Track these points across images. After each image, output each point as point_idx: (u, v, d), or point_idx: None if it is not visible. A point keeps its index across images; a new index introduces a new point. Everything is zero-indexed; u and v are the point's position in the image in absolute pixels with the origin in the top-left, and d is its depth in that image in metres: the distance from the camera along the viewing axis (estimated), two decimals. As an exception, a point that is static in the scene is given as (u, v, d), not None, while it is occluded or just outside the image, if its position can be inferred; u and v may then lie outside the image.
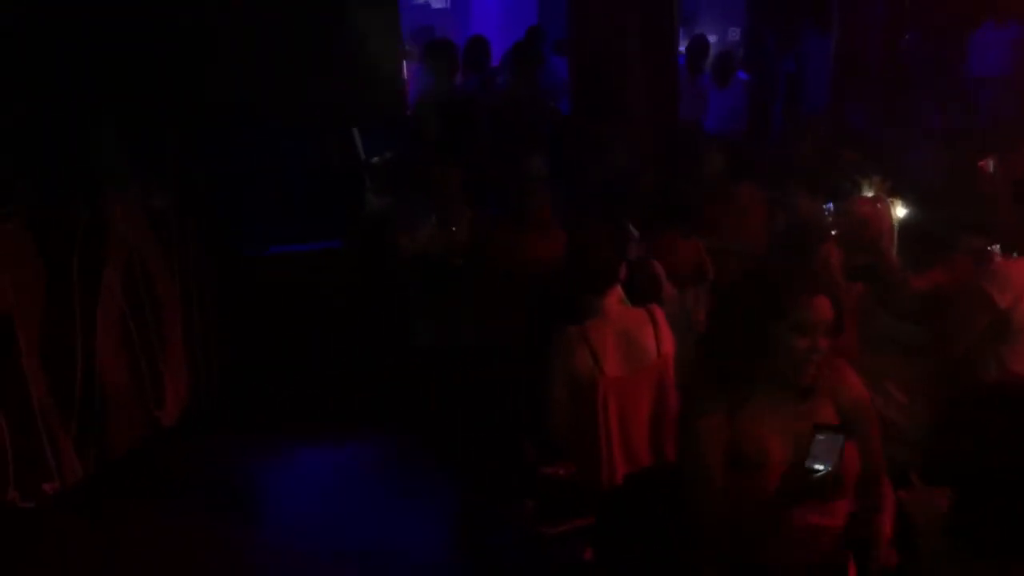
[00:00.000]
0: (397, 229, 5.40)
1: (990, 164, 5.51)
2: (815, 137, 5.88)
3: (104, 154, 4.77)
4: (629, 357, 3.23)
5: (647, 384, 3.25)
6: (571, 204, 5.34)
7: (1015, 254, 3.74)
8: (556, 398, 3.25)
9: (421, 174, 5.48)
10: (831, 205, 4.52)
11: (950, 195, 4.29)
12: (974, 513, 1.87)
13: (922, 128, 8.73)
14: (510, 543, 3.91)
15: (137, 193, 5.12)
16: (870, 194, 4.45)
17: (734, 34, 11.30)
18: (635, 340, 3.26)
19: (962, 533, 1.87)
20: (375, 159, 6.35)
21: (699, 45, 9.18)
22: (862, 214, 4.09)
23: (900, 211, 4.13)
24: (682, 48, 8.88)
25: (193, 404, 5.57)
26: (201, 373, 5.72)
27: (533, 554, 3.62)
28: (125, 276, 5.01)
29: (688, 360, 3.42)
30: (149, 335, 5.15)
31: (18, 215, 4.35)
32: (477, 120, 6.95)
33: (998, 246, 3.69)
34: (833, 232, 4.38)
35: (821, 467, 2.22)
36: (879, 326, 3.61)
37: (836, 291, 2.40)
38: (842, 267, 3.93)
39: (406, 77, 6.63)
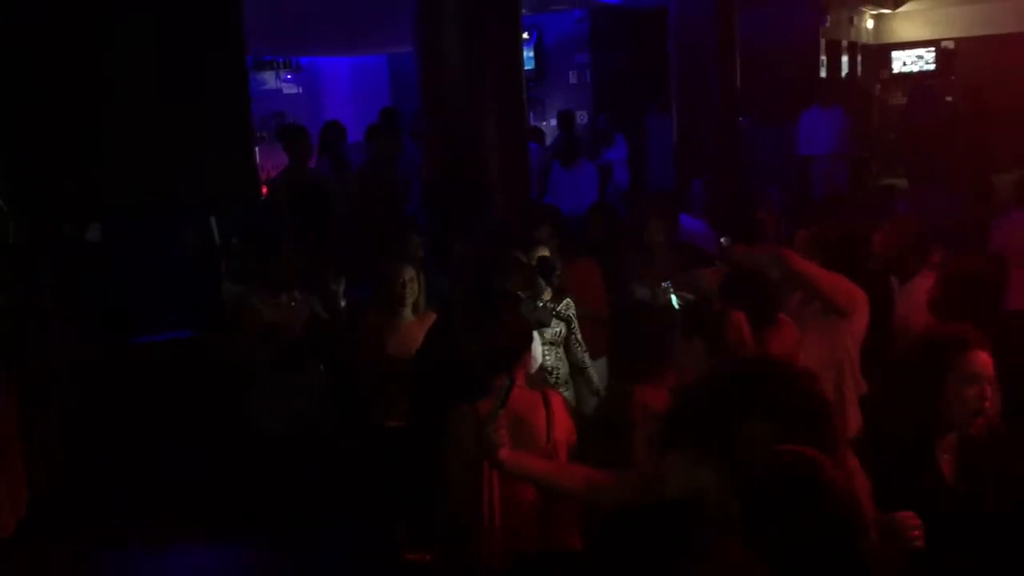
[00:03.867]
0: (245, 309, 5.27)
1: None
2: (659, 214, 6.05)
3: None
4: (517, 440, 3.18)
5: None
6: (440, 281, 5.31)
7: None
8: (452, 477, 3.16)
9: (275, 257, 5.40)
10: (668, 283, 4.62)
11: None
12: None
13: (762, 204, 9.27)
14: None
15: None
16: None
17: (582, 118, 11.71)
18: (526, 423, 3.21)
19: None
20: (233, 242, 6.20)
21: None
22: (710, 285, 4.24)
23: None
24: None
25: (32, 510, 5.14)
26: (41, 477, 5.31)
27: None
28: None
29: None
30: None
31: None
32: (330, 202, 6.91)
33: None
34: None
35: None
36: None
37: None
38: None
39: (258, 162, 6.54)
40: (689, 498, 2.29)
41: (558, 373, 4.66)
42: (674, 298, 4.14)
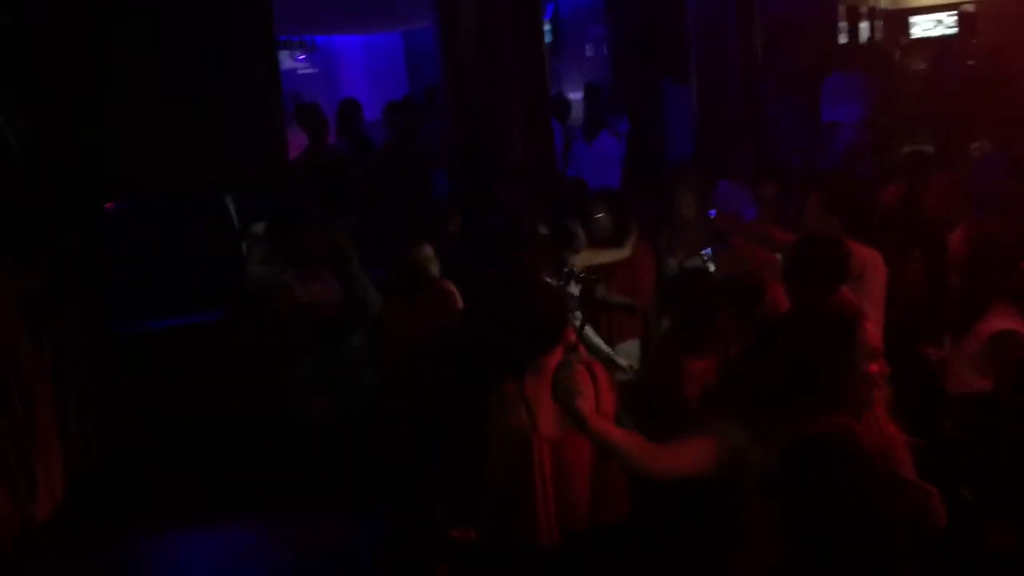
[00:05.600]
0: (278, 289, 5.24)
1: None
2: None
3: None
4: (566, 416, 3.13)
5: (585, 444, 3.15)
6: (466, 260, 5.27)
7: None
8: (493, 458, 3.11)
9: (304, 237, 5.37)
10: (708, 250, 4.56)
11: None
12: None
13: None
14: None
15: (2, 272, 4.76)
16: None
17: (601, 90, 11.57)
18: None
19: None
20: (254, 227, 6.16)
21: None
22: (746, 255, 4.18)
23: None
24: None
25: (69, 495, 5.15)
26: (76, 462, 5.31)
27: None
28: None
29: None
30: (18, 427, 4.75)
31: None
32: (353, 181, 6.85)
33: None
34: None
35: None
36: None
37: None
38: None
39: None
40: (732, 465, 2.28)
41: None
42: (712, 267, 4.09)
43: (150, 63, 3.46)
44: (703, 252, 4.22)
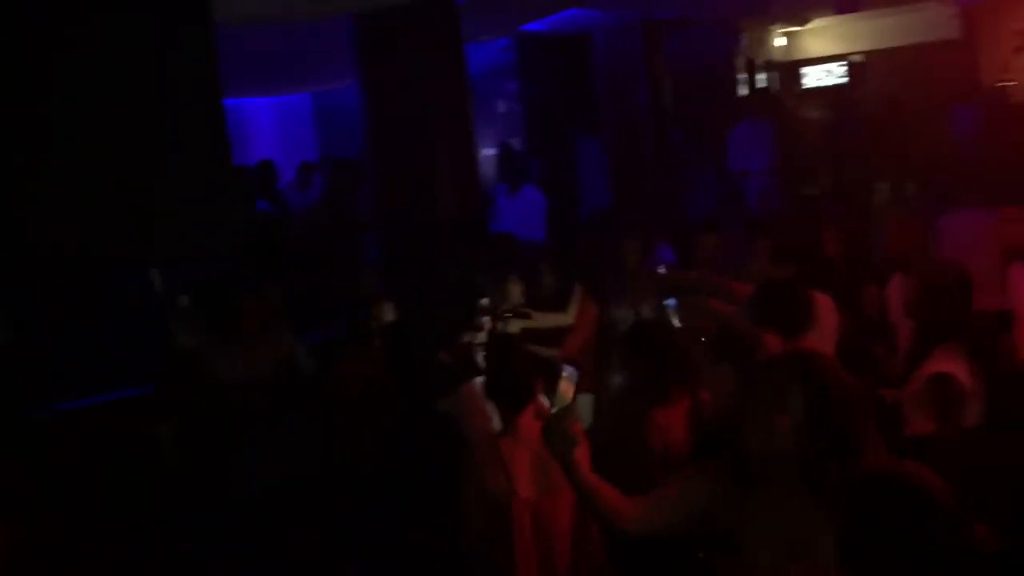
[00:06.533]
0: (210, 362, 5.02)
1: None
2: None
3: None
4: (544, 476, 3.05)
5: (564, 502, 3.07)
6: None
7: None
8: (472, 524, 3.00)
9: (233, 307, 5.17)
10: (672, 302, 4.55)
11: None
12: None
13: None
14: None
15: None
16: None
17: (515, 145, 11.67)
18: (549, 459, 3.08)
19: None
20: (180, 299, 5.92)
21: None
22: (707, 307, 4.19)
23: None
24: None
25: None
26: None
27: None
28: None
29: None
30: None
31: None
32: (281, 243, 6.70)
33: None
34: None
35: None
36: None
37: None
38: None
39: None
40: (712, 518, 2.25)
41: None
42: (675, 319, 4.07)
43: (91, 129, 3.28)
44: (666, 304, 4.21)
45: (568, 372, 2.36)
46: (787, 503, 2.12)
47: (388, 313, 4.69)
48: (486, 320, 4.50)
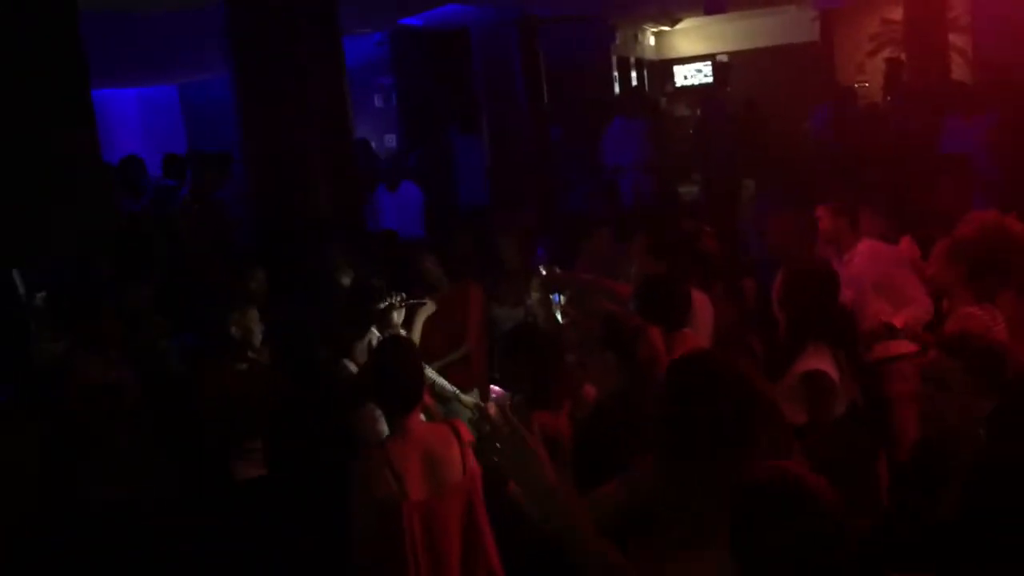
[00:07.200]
0: (73, 366, 4.76)
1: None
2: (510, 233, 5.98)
3: None
4: (434, 475, 3.01)
5: (455, 504, 3.04)
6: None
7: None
8: (361, 531, 2.94)
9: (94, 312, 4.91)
10: (556, 297, 4.58)
11: None
12: None
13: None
14: None
15: None
16: None
17: (390, 141, 11.58)
18: (440, 459, 3.04)
19: None
20: (38, 297, 5.59)
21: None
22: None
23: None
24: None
25: None
26: None
27: None
28: None
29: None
30: None
31: None
32: (151, 243, 6.42)
33: None
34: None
35: None
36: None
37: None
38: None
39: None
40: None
41: None
42: (559, 314, 4.09)
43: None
44: (552, 298, 4.22)
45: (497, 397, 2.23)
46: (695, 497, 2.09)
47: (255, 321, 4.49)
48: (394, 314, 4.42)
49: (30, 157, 3.10)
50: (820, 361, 3.72)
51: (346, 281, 5.37)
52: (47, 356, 5.45)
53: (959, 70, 11.66)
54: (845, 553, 1.78)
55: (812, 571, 1.74)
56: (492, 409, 2.28)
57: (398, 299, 4.49)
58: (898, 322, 4.49)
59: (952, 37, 11.48)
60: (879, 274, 4.66)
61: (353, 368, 4.30)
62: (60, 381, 4.91)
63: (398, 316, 4.52)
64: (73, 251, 3.97)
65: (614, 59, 13.69)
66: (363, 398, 3.93)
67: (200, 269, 6.01)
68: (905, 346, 4.53)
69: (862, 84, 13.58)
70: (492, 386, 4.62)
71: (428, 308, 4.62)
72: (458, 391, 4.65)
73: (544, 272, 4.46)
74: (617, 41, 13.67)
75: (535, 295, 4.55)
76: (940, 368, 2.87)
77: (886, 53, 12.74)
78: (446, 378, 4.80)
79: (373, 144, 10.63)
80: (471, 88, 11.12)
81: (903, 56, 11.72)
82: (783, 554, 1.73)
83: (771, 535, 1.77)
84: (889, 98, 11.17)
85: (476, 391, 4.81)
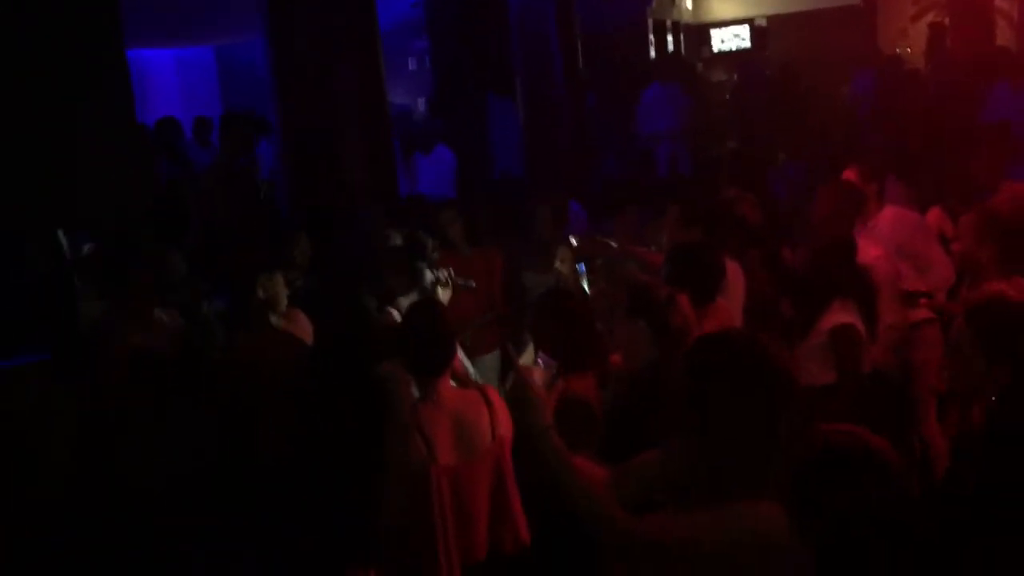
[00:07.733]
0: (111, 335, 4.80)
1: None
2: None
3: None
4: (463, 441, 3.05)
5: (485, 470, 3.08)
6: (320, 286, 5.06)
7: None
8: (390, 494, 2.99)
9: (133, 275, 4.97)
10: (581, 266, 4.59)
11: None
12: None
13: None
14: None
15: None
16: None
17: (423, 104, 11.54)
18: (469, 424, 3.08)
19: None
20: (86, 248, 5.66)
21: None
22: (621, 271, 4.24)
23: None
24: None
25: None
26: None
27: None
28: None
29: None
30: None
31: None
32: (187, 203, 6.50)
33: None
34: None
35: None
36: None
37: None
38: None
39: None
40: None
41: None
42: (586, 283, 4.10)
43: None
44: (577, 268, 4.23)
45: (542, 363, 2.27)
46: None
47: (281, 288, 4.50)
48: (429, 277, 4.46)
49: (64, 119, 3.13)
50: (847, 315, 3.73)
51: (397, 240, 5.40)
52: (90, 316, 5.55)
53: (1003, 35, 11.41)
54: (908, 512, 1.82)
55: (879, 527, 1.79)
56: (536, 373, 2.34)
57: (444, 275, 4.53)
58: (923, 287, 4.49)
59: (998, 1, 11.22)
60: (903, 238, 4.66)
61: (397, 317, 4.32)
62: (99, 345, 4.99)
63: (444, 294, 4.54)
64: (110, 214, 4.01)
65: (650, 22, 13.52)
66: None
67: (229, 232, 6.07)
68: (924, 313, 4.53)
69: (904, 49, 13.33)
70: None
71: (470, 286, 4.64)
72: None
73: (575, 243, 4.46)
74: (653, 4, 13.48)
75: (561, 264, 4.55)
76: (963, 336, 2.87)
77: (930, 17, 12.48)
78: (471, 340, 4.82)
79: (408, 107, 10.62)
80: (506, 52, 11.03)
81: (947, 21, 11.48)
82: (853, 511, 1.78)
83: (843, 496, 1.81)
84: (931, 65, 10.97)
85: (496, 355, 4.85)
